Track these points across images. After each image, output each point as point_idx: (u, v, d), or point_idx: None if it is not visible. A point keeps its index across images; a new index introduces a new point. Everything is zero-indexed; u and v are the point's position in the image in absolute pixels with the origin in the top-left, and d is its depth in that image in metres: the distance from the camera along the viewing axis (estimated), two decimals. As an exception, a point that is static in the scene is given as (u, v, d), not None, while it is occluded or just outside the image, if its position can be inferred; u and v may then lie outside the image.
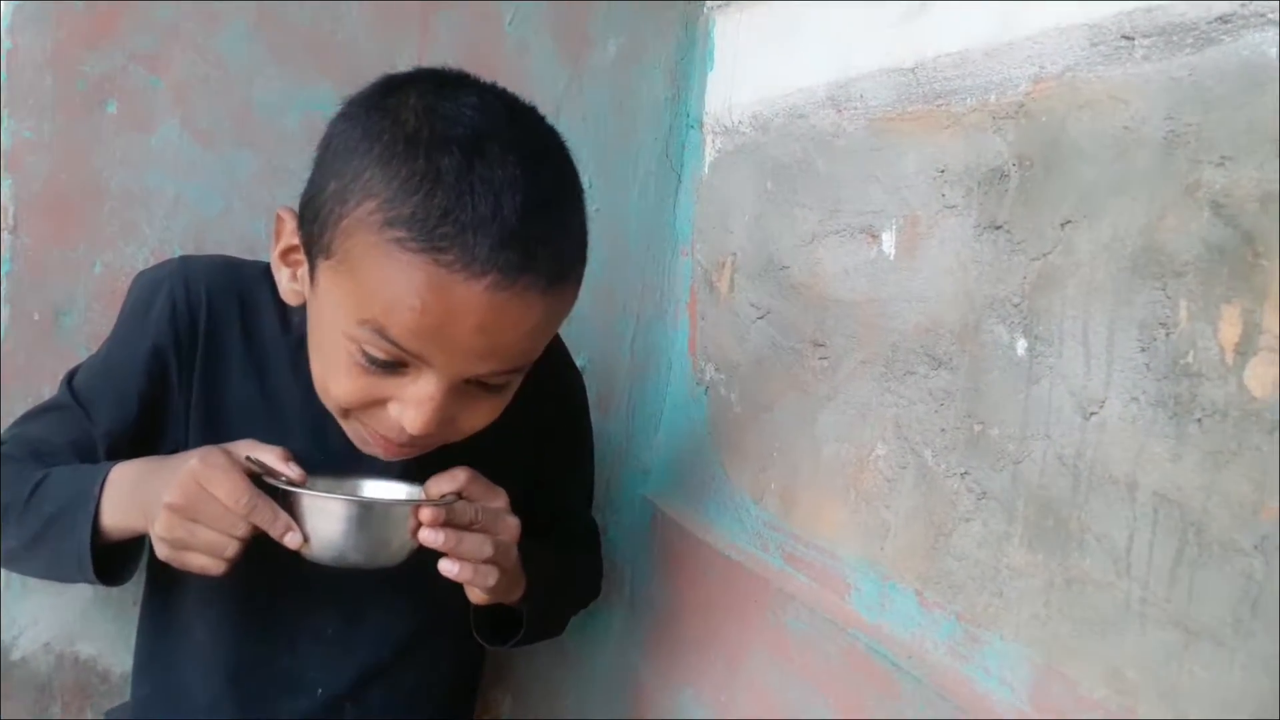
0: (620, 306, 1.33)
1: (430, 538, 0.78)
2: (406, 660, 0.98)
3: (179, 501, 0.74)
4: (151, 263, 1.06)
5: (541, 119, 0.78)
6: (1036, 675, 0.71)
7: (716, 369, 1.20)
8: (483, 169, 0.68)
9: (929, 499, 0.83)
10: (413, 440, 0.77)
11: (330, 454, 0.89)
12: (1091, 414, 0.68)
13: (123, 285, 1.04)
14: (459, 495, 0.81)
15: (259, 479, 0.77)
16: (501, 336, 0.72)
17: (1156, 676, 0.63)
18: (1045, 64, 0.74)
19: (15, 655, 1.09)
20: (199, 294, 0.89)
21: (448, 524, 0.78)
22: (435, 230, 0.67)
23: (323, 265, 0.75)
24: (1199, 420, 0.61)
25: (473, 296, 0.68)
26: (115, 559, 0.84)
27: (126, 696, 1.10)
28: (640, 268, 1.33)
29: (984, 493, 0.77)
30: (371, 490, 0.88)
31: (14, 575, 1.05)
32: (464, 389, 0.76)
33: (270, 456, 0.78)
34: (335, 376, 0.77)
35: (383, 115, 0.72)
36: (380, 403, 0.76)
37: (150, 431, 0.90)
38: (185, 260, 0.92)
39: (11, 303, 1.03)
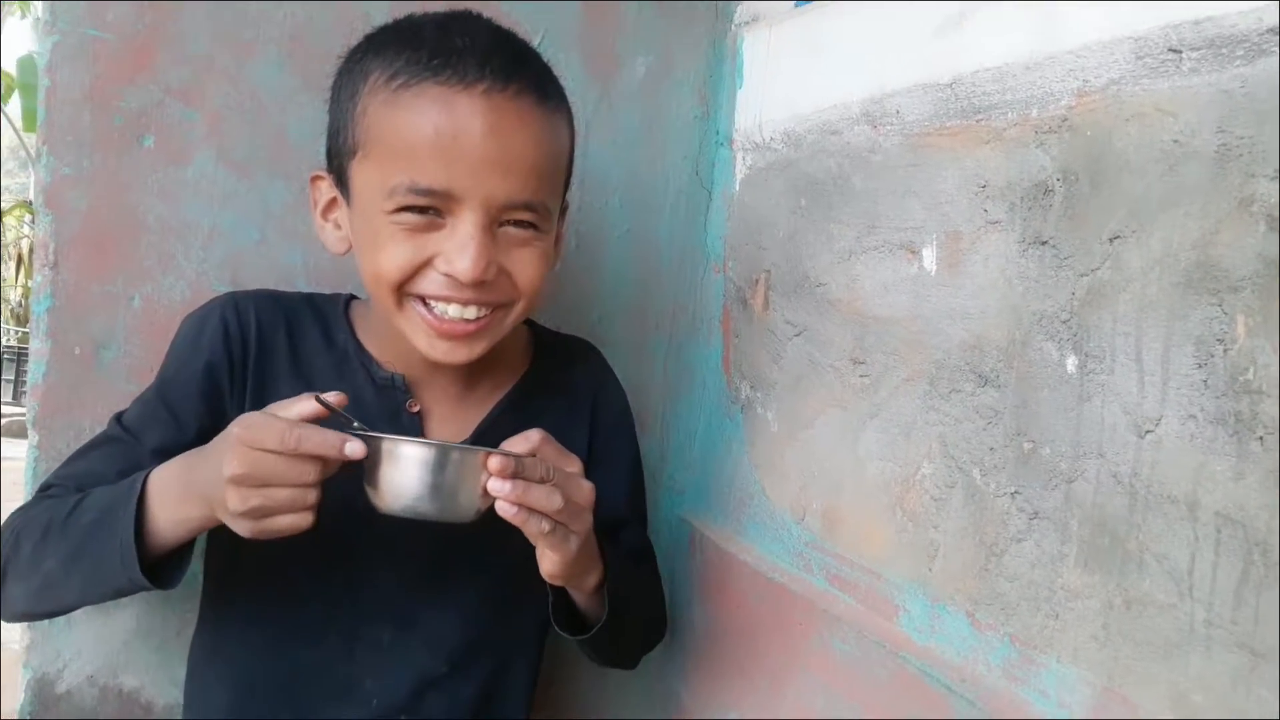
0: (653, 325, 1.32)
1: (498, 487, 0.77)
2: (461, 673, 0.99)
3: (239, 470, 0.73)
4: (189, 295, 1.07)
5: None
6: (1096, 698, 0.70)
7: (752, 387, 1.20)
8: (458, 27, 0.83)
9: (979, 519, 0.81)
10: (473, 283, 0.82)
11: None
12: (1147, 432, 0.67)
13: (161, 318, 1.06)
14: (532, 455, 0.81)
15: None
16: (510, 139, 0.80)
17: (1223, 700, 0.62)
18: (1089, 77, 0.73)
19: (60, 688, 1.09)
20: (248, 318, 0.94)
21: (517, 476, 0.78)
22: (428, 62, 0.80)
23: (353, 170, 0.85)
24: (1261, 438, 0.60)
25: (473, 101, 0.79)
26: (163, 564, 0.83)
27: (170, 728, 1.10)
28: (672, 286, 1.33)
29: (1036, 512, 0.76)
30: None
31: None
32: (500, 235, 0.84)
33: (304, 405, 0.78)
34: (384, 254, 0.83)
35: (368, 41, 0.87)
36: (428, 265, 0.83)
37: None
38: (233, 294, 0.97)
39: (53, 338, 1.04)
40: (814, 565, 1.04)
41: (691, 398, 1.34)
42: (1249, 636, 0.60)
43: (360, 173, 0.84)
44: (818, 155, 1.06)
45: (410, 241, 0.82)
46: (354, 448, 0.74)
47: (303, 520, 0.75)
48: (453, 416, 0.98)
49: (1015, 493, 0.78)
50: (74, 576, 0.84)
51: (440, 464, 0.78)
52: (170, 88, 1.05)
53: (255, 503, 0.74)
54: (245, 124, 1.09)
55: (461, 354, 0.87)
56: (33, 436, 1.05)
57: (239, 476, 0.73)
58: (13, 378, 11.94)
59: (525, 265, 0.86)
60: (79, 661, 1.10)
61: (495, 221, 0.83)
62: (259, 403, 0.92)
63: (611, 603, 0.92)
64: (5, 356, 12.28)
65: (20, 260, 13.95)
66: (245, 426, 0.75)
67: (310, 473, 0.74)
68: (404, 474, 0.77)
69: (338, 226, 0.90)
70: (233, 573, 0.95)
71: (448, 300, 0.84)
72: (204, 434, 0.90)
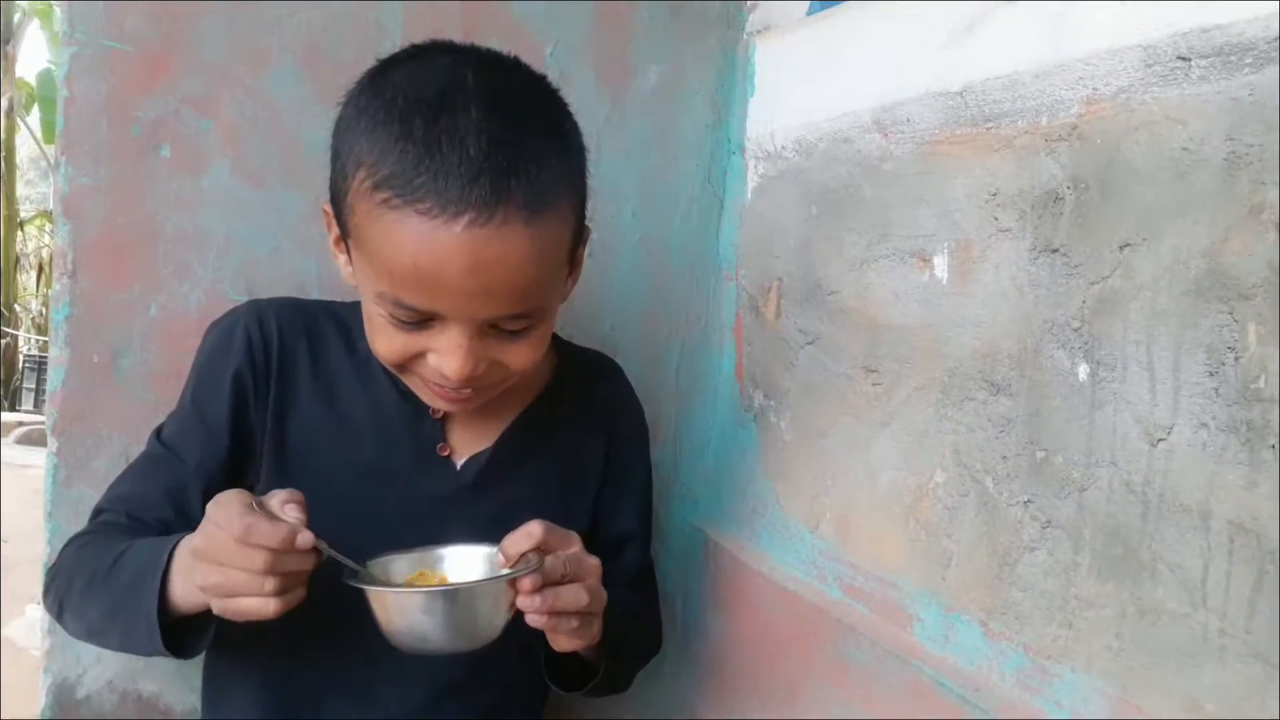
0: (665, 333, 1.32)
1: (529, 603, 0.78)
2: (478, 680, 0.99)
3: (198, 544, 0.74)
4: (204, 303, 1.08)
5: (514, 66, 0.83)
6: (1111, 708, 0.69)
7: (765, 395, 1.20)
8: (447, 120, 0.74)
9: (991, 528, 0.81)
10: (461, 384, 0.82)
11: (399, 462, 0.94)
12: (1159, 440, 0.67)
13: (177, 326, 1.07)
14: (538, 550, 0.81)
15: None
16: (493, 274, 0.76)
17: (1237, 710, 0.61)
18: (1098, 85, 0.72)
19: (80, 694, 1.10)
20: (270, 327, 0.94)
21: (543, 587, 0.79)
22: (411, 183, 0.73)
23: (350, 245, 0.83)
24: (1273, 447, 0.60)
25: (454, 239, 0.73)
26: (188, 632, 0.84)
27: (187, 734, 1.11)
28: (684, 294, 1.33)
29: (1049, 521, 0.76)
30: (451, 560, 0.86)
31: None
32: (490, 334, 0.81)
33: (275, 501, 0.76)
34: (378, 339, 0.84)
35: (370, 94, 0.79)
36: (421, 355, 0.82)
37: (241, 459, 0.93)
38: (254, 302, 0.97)
39: (72, 345, 1.05)
40: (828, 574, 1.03)
41: (704, 406, 1.35)
42: (1263, 646, 0.60)
43: (355, 254, 0.82)
44: (829, 163, 1.06)
45: (401, 335, 0.82)
46: (304, 539, 0.73)
47: (263, 607, 0.73)
48: (474, 424, 0.99)
49: (1028, 501, 0.78)
50: (113, 631, 0.85)
51: (457, 603, 0.77)
52: (186, 97, 1.06)
53: (214, 580, 0.74)
54: (260, 134, 1.10)
55: (463, 410, 0.91)
56: (52, 443, 1.06)
57: (198, 550, 0.74)
58: (34, 386, 12.06)
59: (517, 355, 0.85)
60: (98, 667, 1.10)
61: (484, 327, 0.81)
62: (281, 411, 0.94)
63: (611, 654, 0.93)
64: (27, 365, 12.39)
65: (41, 269, 14.09)
66: (213, 503, 0.75)
67: (258, 561, 0.72)
68: (422, 621, 0.76)
69: (347, 263, 0.88)
70: None
71: (441, 385, 0.85)
72: (238, 444, 0.93)
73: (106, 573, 0.83)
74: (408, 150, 0.73)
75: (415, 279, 0.76)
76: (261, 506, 0.75)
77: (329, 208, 0.86)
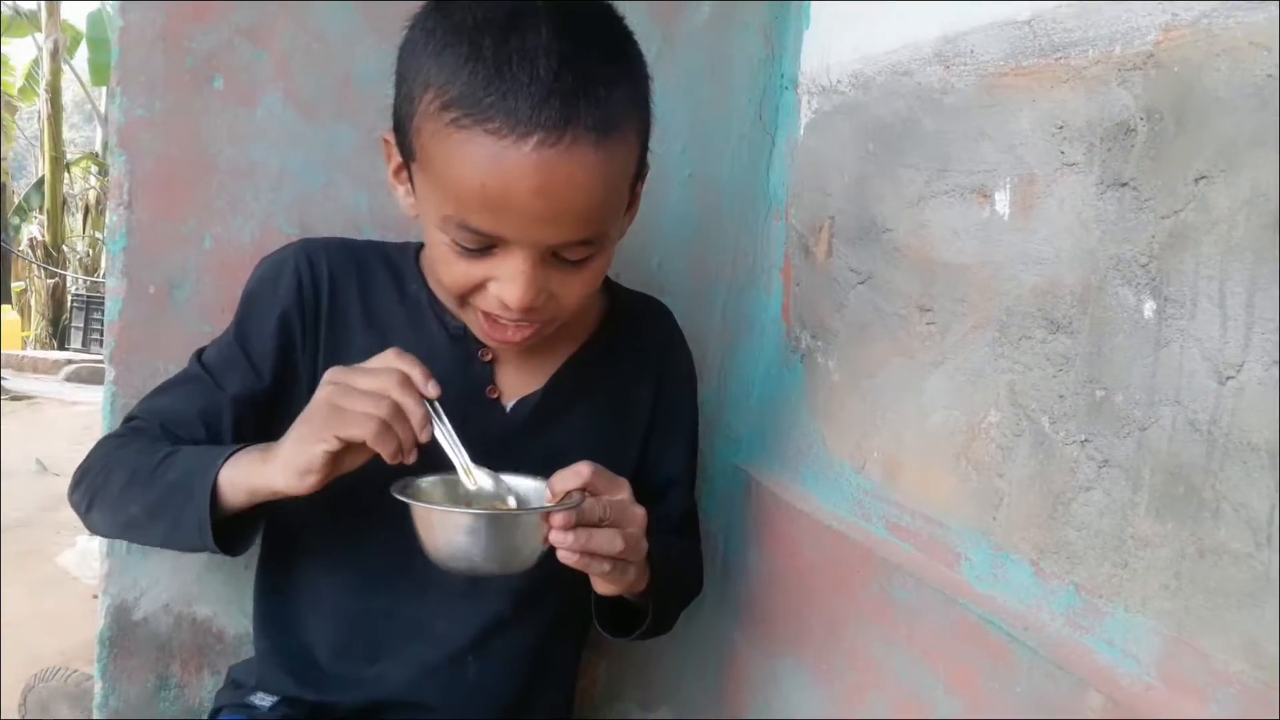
0: (712, 272, 1.32)
1: (561, 539, 0.79)
2: (525, 615, 1.01)
3: (334, 378, 0.79)
4: (258, 235, 1.09)
5: None
6: (1166, 648, 0.69)
7: (813, 336, 1.19)
8: (517, 41, 0.73)
9: (1046, 467, 0.80)
10: (521, 313, 0.83)
11: (449, 404, 0.93)
12: (1228, 378, 0.65)
13: (231, 258, 1.08)
14: (584, 490, 0.82)
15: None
16: (561, 196, 0.76)
17: (1299, 651, 0.61)
18: (1178, 10, 0.70)
19: (137, 615, 1.14)
20: (321, 268, 0.95)
21: (578, 524, 0.80)
22: (481, 102, 0.73)
23: (414, 169, 0.83)
24: (1349, 384, 0.58)
25: (524, 159, 0.73)
26: (234, 531, 0.86)
27: (242, 655, 1.14)
28: (733, 233, 1.31)
29: (1106, 460, 0.75)
30: (498, 488, 0.87)
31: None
32: (552, 262, 0.82)
33: (417, 372, 0.79)
34: (442, 267, 0.85)
35: (438, 16, 0.79)
36: (483, 284, 0.83)
37: (276, 397, 0.94)
38: (306, 241, 0.98)
39: (128, 276, 1.06)
40: (873, 514, 1.03)
41: (750, 346, 1.34)
42: (1329, 587, 0.59)
43: (420, 179, 0.83)
44: (887, 97, 1.04)
45: (464, 262, 0.82)
46: (433, 387, 0.79)
47: (365, 424, 0.76)
48: (524, 367, 0.99)
49: (1085, 441, 0.77)
50: (155, 526, 0.87)
51: (495, 529, 0.78)
52: (239, 27, 1.06)
53: (337, 400, 0.77)
54: (312, 65, 1.10)
55: (512, 347, 0.91)
56: (109, 372, 1.08)
57: (332, 379, 0.79)
58: (81, 325, 12.31)
59: (576, 288, 0.86)
60: (155, 590, 1.14)
61: (547, 255, 0.82)
62: (333, 351, 0.95)
63: (657, 602, 0.95)
64: (75, 304, 12.64)
65: (87, 211, 14.30)
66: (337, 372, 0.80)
67: (391, 380, 0.77)
68: (462, 541, 0.78)
69: (408, 193, 0.89)
70: (303, 516, 0.97)
71: (499, 316, 0.86)
72: (278, 381, 0.94)
73: (153, 470, 0.85)
74: (477, 70, 0.74)
75: (482, 200, 0.76)
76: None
77: (390, 136, 0.86)
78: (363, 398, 0.76)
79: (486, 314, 0.87)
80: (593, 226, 0.81)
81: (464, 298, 0.86)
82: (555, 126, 0.73)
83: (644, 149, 0.86)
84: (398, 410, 0.77)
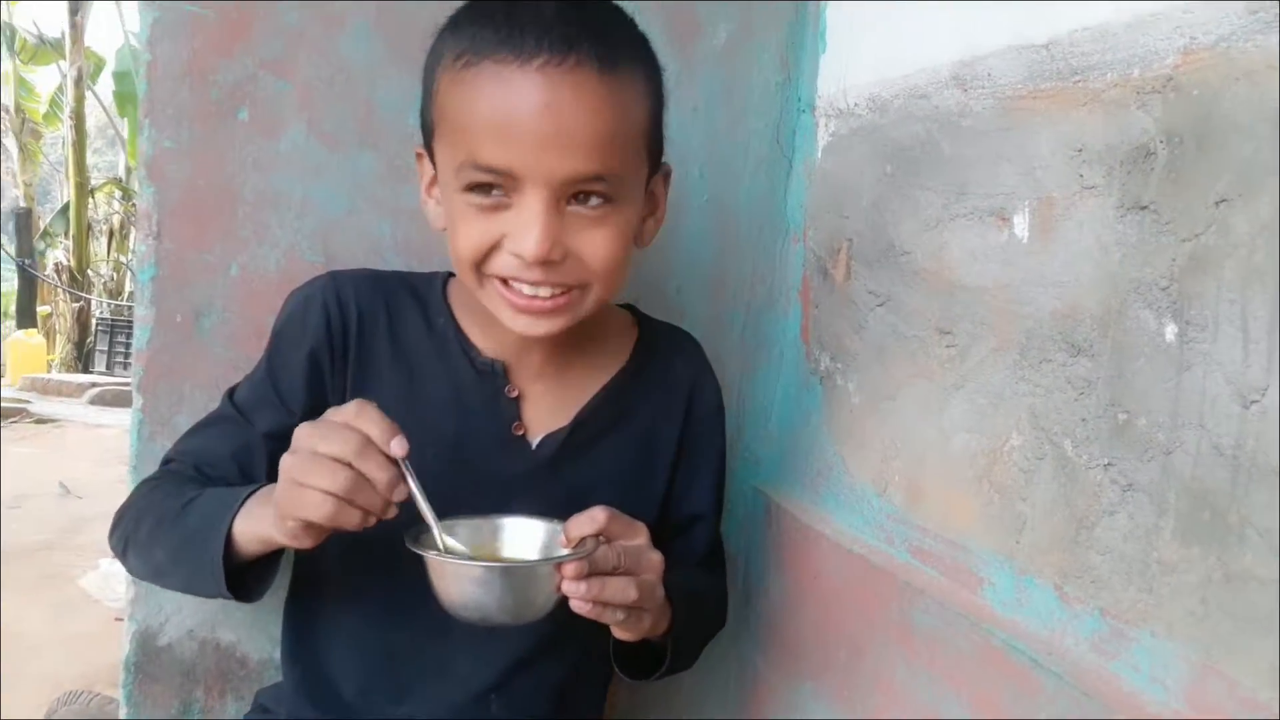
0: (731, 295, 1.32)
1: (574, 589, 0.78)
2: (549, 654, 1.00)
3: (289, 459, 0.75)
4: (284, 263, 1.10)
5: None
6: (1193, 674, 0.68)
7: (832, 358, 1.19)
8: (529, 2, 0.80)
9: (1069, 491, 0.80)
10: (538, 261, 0.81)
11: (475, 439, 0.93)
12: (1252, 402, 0.65)
13: (257, 287, 1.09)
14: (599, 536, 0.81)
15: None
16: (566, 117, 0.78)
17: (1329, 678, 0.60)
18: (1196, 34, 0.70)
19: (162, 641, 1.15)
20: (349, 302, 0.95)
21: (590, 573, 0.79)
22: (490, 41, 0.79)
23: (435, 148, 0.87)
24: (1376, 408, 0.58)
25: (528, 79, 0.77)
26: (249, 578, 0.86)
27: (265, 681, 1.15)
28: (751, 256, 1.32)
29: (1130, 484, 0.74)
30: (511, 532, 0.86)
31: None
32: (571, 214, 0.82)
33: (377, 431, 0.74)
34: (459, 233, 0.85)
35: (450, 17, 0.85)
36: (499, 245, 0.83)
37: None
38: (334, 274, 0.98)
39: (156, 305, 1.08)
40: (895, 538, 1.03)
41: (769, 368, 1.34)
42: (1359, 613, 0.58)
43: (439, 151, 0.86)
44: (904, 120, 1.04)
45: (480, 221, 0.82)
46: (399, 445, 0.74)
47: (321, 505, 0.72)
48: (551, 403, 0.98)
49: (1108, 464, 0.76)
50: (178, 572, 0.88)
51: (508, 581, 0.78)
52: (264, 60, 1.08)
53: (297, 470, 0.74)
54: (335, 96, 1.11)
55: (542, 328, 0.86)
56: (137, 399, 1.10)
57: (301, 435, 0.75)
58: (105, 348, 12.43)
59: (596, 245, 0.84)
60: (179, 616, 1.15)
61: (562, 199, 0.81)
62: (361, 384, 0.94)
63: (676, 644, 0.94)
64: (100, 328, 12.77)
65: (111, 235, 14.48)
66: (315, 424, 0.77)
67: (351, 443, 0.72)
68: (474, 592, 0.77)
69: (438, 203, 0.91)
70: (326, 548, 0.97)
71: (519, 280, 0.84)
72: (310, 417, 0.93)
73: (176, 516, 0.86)
74: (487, 23, 0.80)
75: (492, 126, 0.79)
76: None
77: (422, 149, 0.90)
78: (320, 470, 0.72)
79: (506, 283, 0.85)
80: (603, 160, 0.81)
81: (481, 269, 0.85)
82: (558, 51, 0.77)
83: (655, 109, 0.88)
84: (358, 481, 0.73)
